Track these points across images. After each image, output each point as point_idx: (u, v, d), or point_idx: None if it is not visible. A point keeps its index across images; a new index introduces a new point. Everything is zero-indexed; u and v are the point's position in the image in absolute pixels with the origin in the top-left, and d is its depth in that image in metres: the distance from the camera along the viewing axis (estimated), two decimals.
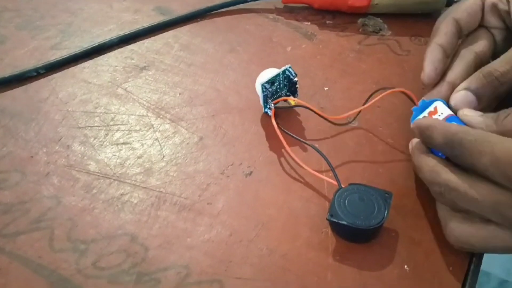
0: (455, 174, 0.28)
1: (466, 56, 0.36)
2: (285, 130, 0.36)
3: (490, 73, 0.33)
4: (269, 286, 0.29)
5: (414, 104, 0.36)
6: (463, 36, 0.38)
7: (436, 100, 0.34)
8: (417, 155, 0.31)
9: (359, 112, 0.37)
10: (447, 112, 0.33)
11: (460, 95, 0.33)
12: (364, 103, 0.36)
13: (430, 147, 0.31)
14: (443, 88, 0.35)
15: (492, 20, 0.37)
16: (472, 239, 0.28)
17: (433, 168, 0.30)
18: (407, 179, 0.35)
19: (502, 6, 0.36)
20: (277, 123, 0.35)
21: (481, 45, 0.37)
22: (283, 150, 0.36)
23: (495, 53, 0.38)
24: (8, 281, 0.28)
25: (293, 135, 0.36)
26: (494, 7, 0.37)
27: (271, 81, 0.36)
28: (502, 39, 0.38)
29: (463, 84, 0.34)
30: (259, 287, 0.29)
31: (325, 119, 0.36)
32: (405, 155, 0.36)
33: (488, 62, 0.37)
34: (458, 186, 0.28)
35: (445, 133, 0.29)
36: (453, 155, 0.29)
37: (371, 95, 0.36)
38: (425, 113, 0.35)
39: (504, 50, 0.36)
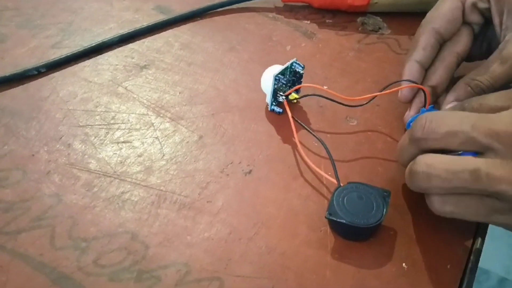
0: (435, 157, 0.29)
1: (448, 58, 0.37)
2: (298, 121, 0.36)
3: (477, 85, 0.34)
4: (268, 284, 0.29)
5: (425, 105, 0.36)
6: (444, 41, 0.38)
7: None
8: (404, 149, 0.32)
9: (375, 96, 0.37)
10: None
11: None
12: (382, 90, 0.37)
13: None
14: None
15: (472, 18, 0.38)
16: (450, 209, 0.29)
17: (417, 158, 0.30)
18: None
19: (482, 5, 0.37)
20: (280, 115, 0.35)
21: (462, 44, 0.38)
22: (283, 148, 0.36)
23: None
24: (10, 279, 0.28)
25: (305, 126, 0.36)
26: (474, 6, 0.37)
27: (282, 73, 0.36)
28: (479, 31, 0.39)
29: (451, 97, 0.35)
30: (259, 284, 0.29)
31: (339, 103, 0.37)
32: None
33: (467, 55, 0.38)
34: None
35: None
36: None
37: (389, 85, 0.37)
38: None
39: (479, 40, 0.39)
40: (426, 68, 0.38)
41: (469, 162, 0.27)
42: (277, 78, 0.36)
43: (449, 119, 0.29)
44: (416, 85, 0.36)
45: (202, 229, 0.31)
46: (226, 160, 0.35)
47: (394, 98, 0.39)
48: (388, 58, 0.44)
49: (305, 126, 0.36)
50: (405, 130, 0.37)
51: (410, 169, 0.30)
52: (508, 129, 0.26)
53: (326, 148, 0.34)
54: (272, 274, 0.29)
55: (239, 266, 0.30)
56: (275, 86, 0.37)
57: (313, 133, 0.36)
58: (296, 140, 0.35)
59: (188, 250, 0.30)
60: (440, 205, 0.29)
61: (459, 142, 0.28)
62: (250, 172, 0.35)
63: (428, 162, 0.29)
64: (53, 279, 0.28)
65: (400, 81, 0.37)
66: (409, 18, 0.48)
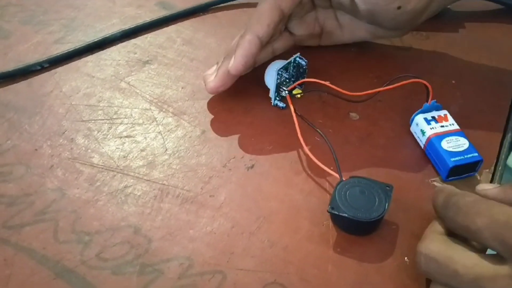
0: (440, 244, 0.27)
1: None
2: (300, 115, 0.36)
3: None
4: (270, 278, 0.29)
5: (427, 100, 0.36)
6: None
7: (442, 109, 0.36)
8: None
9: (377, 92, 0.37)
10: (456, 126, 0.35)
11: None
12: (385, 85, 0.37)
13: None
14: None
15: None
16: None
17: (425, 235, 0.28)
18: (408, 172, 0.35)
19: None
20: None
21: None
22: (285, 142, 0.36)
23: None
24: (14, 272, 0.29)
25: (307, 121, 0.36)
26: None
27: (285, 67, 0.37)
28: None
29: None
30: (261, 278, 0.29)
31: (342, 98, 0.37)
32: (406, 149, 0.36)
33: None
34: (439, 256, 0.26)
35: (446, 194, 0.28)
36: (448, 217, 0.27)
37: (391, 80, 0.37)
38: (429, 115, 0.36)
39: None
40: (263, 47, 0.37)
41: (472, 265, 0.25)
42: (279, 73, 0.36)
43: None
44: (418, 79, 0.36)
45: (205, 223, 0.31)
46: (229, 155, 0.35)
47: (396, 93, 0.39)
48: (390, 54, 0.44)
49: (308, 121, 0.36)
50: (410, 124, 0.37)
51: None
52: None
53: (328, 143, 0.34)
54: (274, 268, 0.30)
55: (241, 260, 0.30)
56: (278, 81, 0.37)
57: (315, 128, 0.36)
58: (299, 135, 0.35)
59: (190, 244, 0.30)
60: None
61: None
62: (252, 166, 0.35)
63: None
64: (57, 272, 0.29)
65: (402, 76, 0.37)
66: None
